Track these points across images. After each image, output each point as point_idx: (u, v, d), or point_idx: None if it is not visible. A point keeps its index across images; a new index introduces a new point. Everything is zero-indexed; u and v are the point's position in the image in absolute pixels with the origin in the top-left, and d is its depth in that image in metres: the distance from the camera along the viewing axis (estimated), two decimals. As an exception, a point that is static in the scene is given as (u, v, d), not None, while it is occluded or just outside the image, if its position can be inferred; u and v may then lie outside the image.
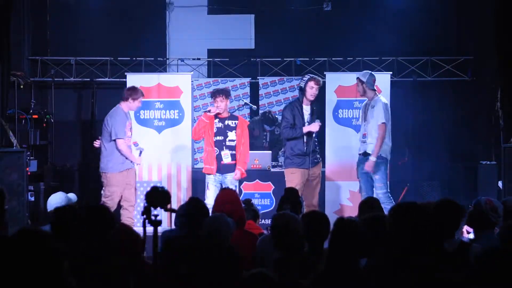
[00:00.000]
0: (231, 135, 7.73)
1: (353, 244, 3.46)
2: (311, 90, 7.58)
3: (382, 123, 7.55)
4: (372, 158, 7.48)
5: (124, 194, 7.73)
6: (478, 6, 10.00)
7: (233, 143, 7.73)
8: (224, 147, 7.71)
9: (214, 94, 7.78)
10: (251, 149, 9.55)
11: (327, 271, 3.43)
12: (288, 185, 7.63)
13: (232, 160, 7.72)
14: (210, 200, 7.64)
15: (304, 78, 7.71)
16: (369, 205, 4.94)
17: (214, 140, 7.71)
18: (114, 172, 7.68)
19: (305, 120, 7.64)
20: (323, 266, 3.48)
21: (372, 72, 7.88)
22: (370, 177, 7.59)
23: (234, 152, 7.74)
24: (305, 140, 7.61)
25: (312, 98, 7.61)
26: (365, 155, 7.63)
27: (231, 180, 7.70)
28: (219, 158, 7.70)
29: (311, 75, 7.82)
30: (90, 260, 3.43)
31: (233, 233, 4.45)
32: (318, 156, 7.81)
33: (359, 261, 3.54)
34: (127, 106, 7.79)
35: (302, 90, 7.67)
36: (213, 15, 11.00)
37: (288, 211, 4.49)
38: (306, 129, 7.59)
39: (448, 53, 10.55)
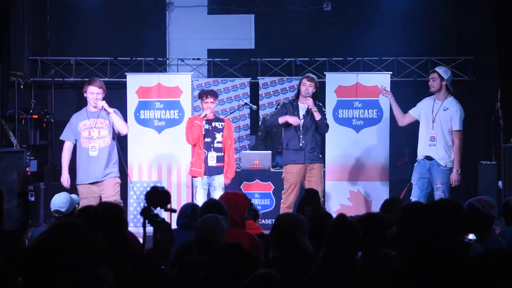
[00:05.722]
0: (219, 137, 7.67)
1: (352, 244, 3.52)
2: (304, 86, 7.54)
3: (458, 130, 7.29)
4: (457, 171, 7.22)
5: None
6: (478, 6, 10.00)
7: (220, 145, 7.67)
8: (211, 149, 7.65)
9: (205, 94, 7.62)
10: (269, 145, 9.56)
11: (323, 267, 3.46)
12: (285, 183, 7.62)
13: (217, 162, 7.64)
14: (200, 203, 7.59)
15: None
16: (391, 205, 4.82)
17: (204, 142, 7.68)
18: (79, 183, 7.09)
19: (300, 117, 7.60)
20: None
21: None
22: (429, 183, 7.37)
23: (220, 154, 7.69)
24: (300, 136, 7.52)
25: (305, 95, 7.51)
26: (429, 159, 7.36)
27: (218, 183, 7.68)
28: (206, 160, 7.66)
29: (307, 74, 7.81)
30: None
31: (232, 233, 4.45)
32: (317, 154, 7.62)
33: (354, 257, 3.60)
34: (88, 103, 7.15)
35: (298, 88, 7.72)
36: (213, 15, 11.00)
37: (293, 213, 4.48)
38: (282, 119, 7.50)
39: (448, 53, 10.54)
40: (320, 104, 7.92)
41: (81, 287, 2.41)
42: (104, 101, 7.04)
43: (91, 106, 7.07)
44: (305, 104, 7.55)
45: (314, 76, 7.70)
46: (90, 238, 2.49)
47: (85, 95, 7.10)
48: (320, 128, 7.58)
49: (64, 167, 7.12)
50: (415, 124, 10.31)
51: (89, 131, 7.04)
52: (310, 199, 5.33)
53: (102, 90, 7.04)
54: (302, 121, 7.53)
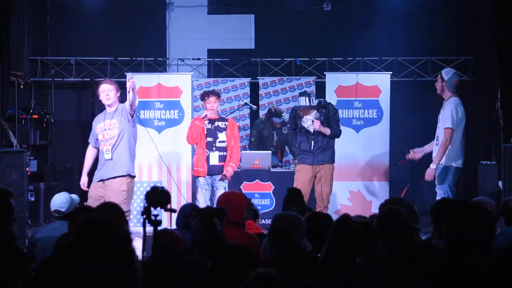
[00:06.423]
0: (221, 136, 7.68)
1: (355, 244, 3.52)
2: (301, 112, 7.58)
3: (447, 127, 7.18)
4: (432, 166, 7.15)
5: None
6: (478, 6, 10.01)
7: (223, 144, 7.68)
8: (214, 148, 7.67)
9: (207, 94, 7.69)
10: (261, 149, 9.57)
11: (325, 267, 3.46)
12: (295, 182, 7.66)
13: (219, 161, 7.66)
14: (201, 203, 7.58)
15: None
16: (392, 204, 4.80)
17: (205, 141, 7.68)
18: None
19: (307, 124, 7.63)
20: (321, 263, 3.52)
21: (457, 72, 7.57)
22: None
23: (222, 153, 7.69)
24: (311, 137, 7.59)
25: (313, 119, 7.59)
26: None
27: (220, 182, 7.68)
28: (208, 160, 7.67)
29: (296, 105, 7.65)
30: None
31: (232, 233, 4.45)
32: (328, 155, 7.64)
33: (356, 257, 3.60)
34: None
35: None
36: (213, 15, 11.00)
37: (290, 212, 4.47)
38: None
39: (448, 53, 10.55)
40: (334, 106, 7.89)
41: (115, 283, 2.38)
42: (133, 79, 6.70)
43: (107, 106, 6.96)
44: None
45: (304, 97, 7.54)
46: (121, 234, 2.45)
47: (99, 98, 7.00)
48: (333, 139, 7.70)
49: (83, 170, 7.11)
50: (415, 124, 10.36)
51: (103, 134, 6.91)
52: (295, 199, 5.31)
53: (113, 87, 6.90)
54: (312, 125, 7.61)
